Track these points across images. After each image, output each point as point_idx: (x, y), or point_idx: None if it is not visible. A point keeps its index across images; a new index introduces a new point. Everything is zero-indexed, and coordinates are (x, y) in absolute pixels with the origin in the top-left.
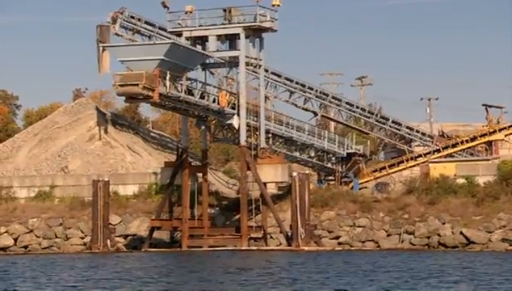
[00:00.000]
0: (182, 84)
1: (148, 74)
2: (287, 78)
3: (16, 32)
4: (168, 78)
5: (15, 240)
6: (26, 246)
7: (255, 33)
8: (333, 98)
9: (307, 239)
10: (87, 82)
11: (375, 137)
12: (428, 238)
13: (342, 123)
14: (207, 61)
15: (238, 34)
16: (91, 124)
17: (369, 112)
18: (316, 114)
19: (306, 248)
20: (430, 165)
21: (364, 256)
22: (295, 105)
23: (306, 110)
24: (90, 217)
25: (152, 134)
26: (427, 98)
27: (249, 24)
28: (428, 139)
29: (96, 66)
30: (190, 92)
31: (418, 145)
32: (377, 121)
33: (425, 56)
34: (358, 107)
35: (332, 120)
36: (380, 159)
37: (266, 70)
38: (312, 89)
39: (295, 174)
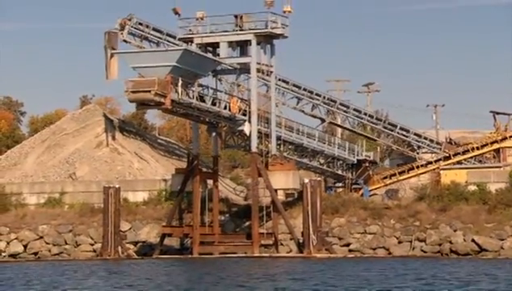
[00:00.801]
0: (193, 90)
1: (160, 81)
2: (294, 85)
3: (20, 39)
4: (180, 84)
5: (25, 247)
6: (36, 253)
7: (266, 40)
8: (341, 104)
9: (319, 246)
10: (92, 88)
11: (383, 143)
12: (439, 245)
13: (349, 129)
14: (218, 68)
15: (249, 40)
16: (99, 130)
17: (377, 119)
18: (323, 120)
19: (318, 255)
20: (441, 172)
21: (393, 263)
22: (303, 112)
23: (314, 116)
24: (100, 223)
25: (159, 141)
26: (433, 104)
27: (260, 31)
28: (436, 146)
29: (103, 73)
30: (201, 99)
31: (426, 152)
32: (385, 128)
33: (431, 63)
34: (365, 114)
35: (339, 126)
36: (385, 166)
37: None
38: (319, 95)
39: (306, 180)
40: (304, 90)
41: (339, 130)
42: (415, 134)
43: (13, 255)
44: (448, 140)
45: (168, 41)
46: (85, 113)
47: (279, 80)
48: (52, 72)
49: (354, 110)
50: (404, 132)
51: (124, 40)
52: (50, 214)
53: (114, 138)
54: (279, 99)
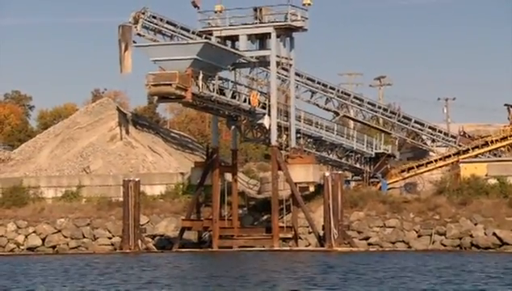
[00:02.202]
0: (214, 84)
1: (181, 74)
2: (308, 78)
3: (29, 33)
4: (201, 77)
5: (43, 240)
6: (54, 247)
7: (286, 32)
8: (355, 98)
9: (340, 240)
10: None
11: (397, 137)
12: (460, 239)
13: (364, 123)
14: (237, 61)
15: (269, 33)
16: (112, 124)
17: (391, 112)
18: (337, 114)
19: (339, 249)
20: (461, 165)
21: (423, 257)
22: (317, 105)
23: (327, 110)
24: (118, 217)
25: (172, 134)
26: (444, 98)
27: (280, 23)
28: (451, 139)
29: (113, 66)
30: (221, 92)
31: (440, 146)
32: (399, 121)
33: (443, 56)
34: (380, 108)
35: (354, 120)
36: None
37: (286, 70)
38: (333, 89)
39: (328, 174)
40: (318, 83)
41: (351, 124)
42: (430, 127)
43: (31, 249)
44: (462, 133)
45: (182, 34)
46: (98, 107)
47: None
48: (60, 66)
49: (369, 103)
50: (419, 126)
51: (138, 34)
52: (67, 208)
53: (127, 132)
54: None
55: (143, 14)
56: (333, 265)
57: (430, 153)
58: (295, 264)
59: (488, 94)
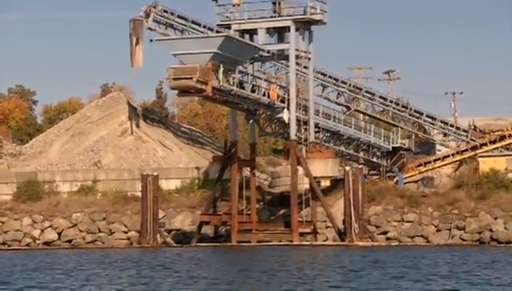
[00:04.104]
0: (234, 77)
1: (201, 68)
2: (319, 72)
3: (30, 28)
4: (221, 71)
5: (59, 234)
6: (70, 241)
7: (305, 26)
8: (367, 92)
9: (361, 234)
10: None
11: (409, 131)
12: (479, 233)
13: (375, 117)
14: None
15: (288, 27)
16: (123, 118)
17: (403, 106)
18: (349, 108)
19: (360, 243)
20: (480, 159)
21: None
22: (328, 99)
23: (339, 104)
24: (134, 211)
25: (182, 129)
26: (451, 92)
27: (299, 17)
28: (463, 133)
29: (118, 60)
30: (241, 85)
31: (452, 140)
32: (411, 115)
33: (451, 50)
34: (391, 102)
35: (365, 114)
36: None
37: (298, 64)
38: (345, 83)
39: (348, 168)
40: (330, 77)
41: (361, 117)
42: (441, 122)
43: (47, 243)
44: (472, 127)
45: (193, 28)
46: (108, 101)
47: (305, 67)
48: (63, 60)
49: (380, 97)
50: (431, 120)
51: (149, 28)
52: (83, 202)
53: (138, 126)
54: (304, 87)
55: (154, 8)
56: (376, 260)
57: (438, 148)
58: (336, 259)
59: (496, 88)
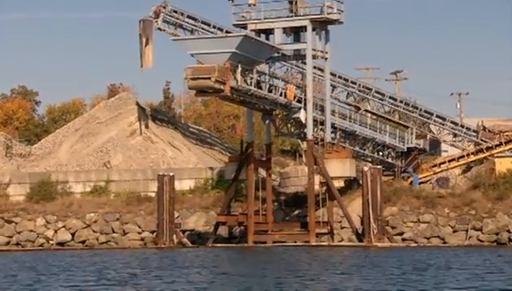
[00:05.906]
0: (251, 77)
1: (219, 67)
2: (329, 73)
3: (33, 28)
4: (239, 71)
5: (73, 235)
6: (83, 241)
7: (321, 26)
8: (377, 92)
9: (379, 235)
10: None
11: (420, 132)
12: (497, 234)
13: (386, 118)
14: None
15: (305, 26)
16: (132, 119)
17: (413, 107)
18: (358, 108)
19: (379, 244)
20: (496, 160)
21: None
22: (338, 99)
23: (348, 104)
24: (147, 212)
25: (191, 129)
26: (457, 93)
27: (316, 16)
28: (473, 134)
29: (123, 61)
30: (258, 85)
31: (462, 140)
32: (421, 116)
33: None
34: (401, 102)
35: (375, 114)
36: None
37: (304, 64)
38: (354, 83)
39: (366, 168)
40: (339, 77)
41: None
42: (451, 122)
43: (61, 243)
44: (482, 127)
45: (203, 29)
46: (117, 101)
47: (314, 68)
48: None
49: (390, 98)
50: (441, 120)
51: (159, 28)
52: (96, 203)
53: (147, 127)
54: (315, 87)
55: (164, 8)
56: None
57: (444, 148)
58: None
59: (502, 89)
